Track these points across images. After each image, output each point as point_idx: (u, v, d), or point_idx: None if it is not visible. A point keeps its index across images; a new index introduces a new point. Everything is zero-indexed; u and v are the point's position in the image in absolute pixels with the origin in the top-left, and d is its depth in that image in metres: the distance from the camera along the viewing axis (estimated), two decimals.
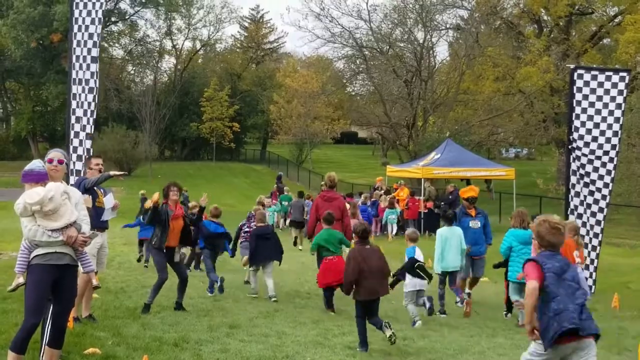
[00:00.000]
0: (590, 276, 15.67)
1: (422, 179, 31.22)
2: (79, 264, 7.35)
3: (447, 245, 13.18)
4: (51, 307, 8.26)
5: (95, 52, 14.43)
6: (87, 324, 10.52)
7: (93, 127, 14.15)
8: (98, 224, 10.52)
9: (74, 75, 14.41)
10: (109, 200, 10.95)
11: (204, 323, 11.21)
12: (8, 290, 7.20)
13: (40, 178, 7.04)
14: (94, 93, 14.37)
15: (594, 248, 15.73)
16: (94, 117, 14.19)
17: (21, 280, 6.94)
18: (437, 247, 13.32)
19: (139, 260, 19.34)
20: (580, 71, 16.32)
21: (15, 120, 76.66)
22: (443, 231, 13.44)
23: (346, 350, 9.67)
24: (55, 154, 7.54)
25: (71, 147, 13.76)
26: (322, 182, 16.18)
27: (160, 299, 12.68)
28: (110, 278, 15.96)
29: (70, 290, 7.29)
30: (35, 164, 7.17)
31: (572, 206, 15.98)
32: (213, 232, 14.95)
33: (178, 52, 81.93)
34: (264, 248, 14.25)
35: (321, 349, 9.71)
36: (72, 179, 13.10)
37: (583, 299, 6.22)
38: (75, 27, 14.45)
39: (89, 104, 14.24)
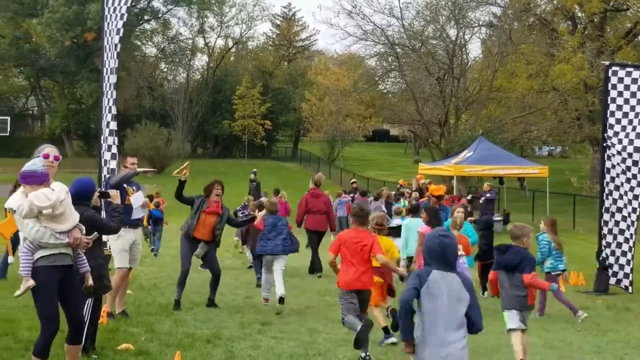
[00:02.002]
0: (627, 277, 15.49)
1: (455, 177, 31.08)
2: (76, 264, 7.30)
3: (411, 234, 13.77)
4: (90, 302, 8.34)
5: (118, 48, 14.49)
6: (120, 320, 10.64)
7: (116, 123, 14.16)
8: (129, 221, 10.62)
9: (105, 73, 14.50)
10: (137, 199, 11.01)
11: (235, 320, 11.27)
12: (16, 296, 7.01)
13: (42, 180, 6.90)
14: (112, 89, 14.42)
15: (630, 249, 15.50)
16: (112, 112, 14.20)
17: (31, 282, 6.82)
18: (402, 236, 14.12)
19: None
20: (615, 68, 16.16)
21: (50, 118, 77.27)
22: (407, 221, 14.51)
23: (377, 348, 9.67)
24: (51, 149, 7.45)
25: (105, 146, 13.84)
26: (311, 181, 18.19)
27: (192, 295, 12.78)
28: (143, 275, 16.10)
29: (76, 288, 7.27)
30: (37, 165, 6.99)
31: (606, 204, 15.82)
32: None
33: (210, 50, 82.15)
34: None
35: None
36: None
37: None
38: (106, 25, 14.56)
39: (108, 100, 14.30)
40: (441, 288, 5.58)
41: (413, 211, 14.80)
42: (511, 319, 8.66)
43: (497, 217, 31.45)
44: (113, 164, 13.56)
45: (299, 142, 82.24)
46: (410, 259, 13.91)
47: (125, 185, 10.76)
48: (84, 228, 7.24)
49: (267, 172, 60.40)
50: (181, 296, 12.11)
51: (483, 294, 14.57)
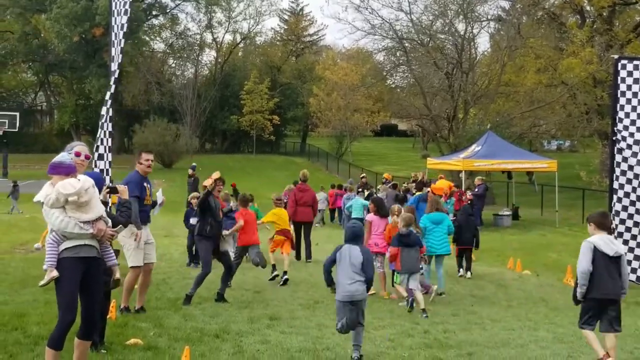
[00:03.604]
0: (634, 272, 15.38)
1: (463, 172, 31.00)
2: (103, 257, 7.36)
3: None
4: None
5: (122, 44, 14.54)
6: (128, 315, 10.64)
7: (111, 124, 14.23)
8: (146, 219, 10.80)
9: (113, 68, 14.55)
10: (159, 196, 11.27)
11: (244, 314, 11.28)
12: (40, 285, 7.06)
13: (70, 171, 6.99)
14: (111, 90, 14.49)
15: (639, 245, 15.40)
16: (107, 106, 14.24)
17: (55, 273, 6.85)
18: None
19: None
20: (623, 61, 16.07)
21: (59, 113, 77.58)
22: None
23: (386, 342, 9.67)
24: (82, 147, 7.61)
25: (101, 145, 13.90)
26: (299, 177, 19.77)
27: (201, 290, 12.77)
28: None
29: (98, 283, 7.29)
30: (65, 157, 7.10)
31: (615, 199, 15.75)
32: None
33: (218, 45, 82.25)
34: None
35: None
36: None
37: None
38: (113, 20, 14.60)
39: (110, 94, 14.36)
40: (345, 254, 8.94)
41: (399, 201, 17.00)
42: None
43: (505, 212, 31.45)
44: (101, 165, 13.62)
45: (307, 137, 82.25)
46: None
47: (145, 184, 10.81)
48: (109, 220, 7.29)
49: (276, 168, 60.53)
50: (194, 293, 12.10)
51: (459, 271, 16.68)
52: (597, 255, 8.45)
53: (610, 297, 8.56)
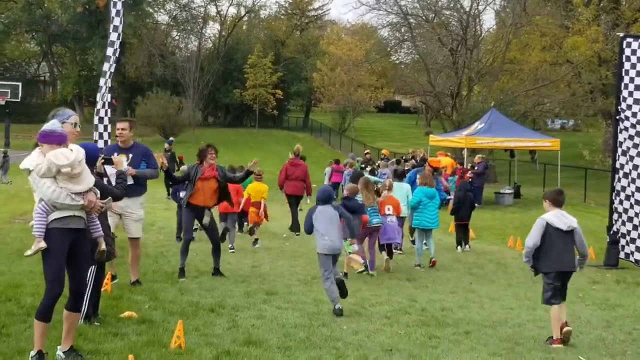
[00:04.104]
0: (638, 250, 15.26)
1: (465, 149, 30.88)
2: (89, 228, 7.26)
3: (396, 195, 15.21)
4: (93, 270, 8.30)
5: (117, 21, 14.45)
6: (124, 288, 10.58)
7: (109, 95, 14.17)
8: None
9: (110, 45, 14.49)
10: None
11: (240, 289, 11.21)
12: (26, 255, 6.94)
13: (62, 140, 6.84)
14: (110, 62, 14.38)
15: (635, 227, 15.28)
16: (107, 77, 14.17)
17: (43, 244, 6.74)
18: None
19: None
20: (629, 39, 15.91)
21: (62, 84, 77.33)
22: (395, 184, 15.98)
23: (383, 319, 9.61)
24: (76, 117, 7.41)
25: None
26: (291, 151, 20.25)
27: (199, 264, 12.74)
28: (150, 242, 16.06)
29: (86, 254, 7.21)
30: (56, 125, 6.94)
31: (617, 177, 15.65)
32: None
33: (222, 19, 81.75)
34: None
35: (358, 318, 9.65)
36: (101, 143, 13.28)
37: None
38: None
39: (104, 72, 14.28)
40: (320, 213, 10.27)
41: (398, 176, 16.97)
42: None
43: (507, 190, 31.33)
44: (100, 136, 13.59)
45: (310, 112, 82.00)
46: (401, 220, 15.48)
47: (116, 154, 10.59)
48: (98, 192, 7.18)
49: (279, 142, 60.36)
50: (185, 264, 12.04)
51: (457, 248, 17.12)
52: (551, 230, 8.90)
53: (567, 269, 9.04)
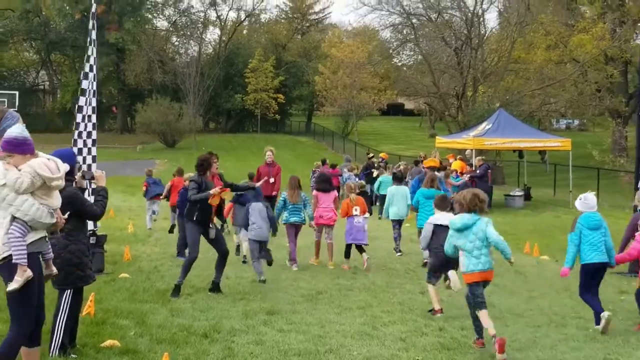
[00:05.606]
0: None
1: (473, 150, 29.89)
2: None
3: (394, 199, 16.55)
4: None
5: (94, 35, 13.83)
6: (109, 311, 9.56)
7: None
8: None
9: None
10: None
11: (239, 308, 10.23)
12: (10, 290, 5.80)
13: (33, 149, 5.91)
14: (89, 79, 13.71)
15: None
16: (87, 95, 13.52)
17: (29, 272, 5.71)
18: (386, 201, 17.06)
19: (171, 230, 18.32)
20: None
21: (61, 92, 76.69)
22: (392, 189, 17.06)
23: (398, 343, 8.58)
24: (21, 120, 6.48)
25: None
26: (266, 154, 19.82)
27: (194, 279, 11.78)
28: (145, 256, 15.11)
29: (42, 277, 6.18)
30: (26, 131, 5.93)
31: None
32: None
33: (222, 23, 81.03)
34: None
35: (369, 341, 8.64)
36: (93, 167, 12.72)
37: None
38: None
39: (84, 90, 13.65)
40: (252, 208, 12.71)
41: (397, 179, 17.76)
42: None
43: (517, 192, 30.34)
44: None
45: (312, 116, 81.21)
46: (395, 221, 16.63)
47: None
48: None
49: (281, 147, 59.34)
50: (182, 282, 11.03)
51: None
52: (439, 229, 10.36)
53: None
